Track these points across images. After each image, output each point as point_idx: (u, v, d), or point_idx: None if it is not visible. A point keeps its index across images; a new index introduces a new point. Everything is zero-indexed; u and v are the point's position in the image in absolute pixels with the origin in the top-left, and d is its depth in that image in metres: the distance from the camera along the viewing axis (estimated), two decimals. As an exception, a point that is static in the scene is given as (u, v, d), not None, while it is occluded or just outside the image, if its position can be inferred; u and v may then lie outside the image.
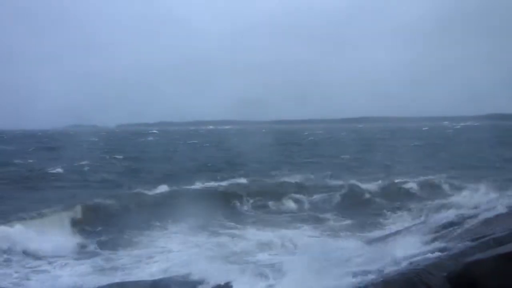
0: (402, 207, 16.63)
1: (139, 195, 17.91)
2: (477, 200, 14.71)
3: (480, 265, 5.67)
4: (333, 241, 12.21)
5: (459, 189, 18.58)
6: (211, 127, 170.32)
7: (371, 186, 19.46)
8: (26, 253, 11.38)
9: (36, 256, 11.28)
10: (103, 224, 14.60)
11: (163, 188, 18.64)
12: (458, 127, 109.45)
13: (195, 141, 67.04)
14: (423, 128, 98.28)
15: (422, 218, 13.27)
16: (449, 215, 11.42)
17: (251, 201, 17.98)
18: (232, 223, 15.11)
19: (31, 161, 32.67)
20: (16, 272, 10.17)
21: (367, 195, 18.59)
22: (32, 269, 10.43)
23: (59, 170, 26.19)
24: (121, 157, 36.92)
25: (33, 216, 13.75)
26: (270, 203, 17.73)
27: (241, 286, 7.33)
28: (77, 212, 15.02)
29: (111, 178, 24.98)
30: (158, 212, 15.66)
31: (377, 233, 12.93)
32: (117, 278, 9.45)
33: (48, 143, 61.86)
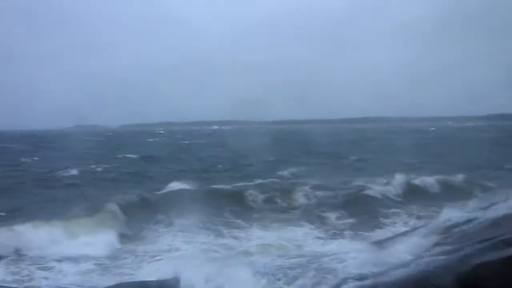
0: (411, 207, 16.53)
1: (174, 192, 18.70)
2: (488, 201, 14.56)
3: (489, 267, 5.62)
4: (338, 242, 12.19)
5: (473, 189, 18.41)
6: (215, 127, 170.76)
7: (381, 187, 19.23)
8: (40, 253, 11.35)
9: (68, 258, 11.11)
10: (133, 222, 14.97)
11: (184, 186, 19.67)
12: (464, 127, 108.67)
13: (202, 141, 67.53)
14: (430, 129, 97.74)
15: (431, 219, 13.18)
16: (457, 215, 11.34)
17: (260, 199, 18.16)
18: (239, 220, 15.43)
19: (45, 161, 33.94)
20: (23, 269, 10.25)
21: (377, 195, 18.36)
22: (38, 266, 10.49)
23: (74, 172, 26.86)
24: (136, 156, 38.98)
25: (65, 217, 13.78)
26: (278, 202, 17.92)
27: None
28: (108, 212, 15.04)
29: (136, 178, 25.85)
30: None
31: (384, 234, 12.84)
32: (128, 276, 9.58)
33: (55, 143, 62.50)
